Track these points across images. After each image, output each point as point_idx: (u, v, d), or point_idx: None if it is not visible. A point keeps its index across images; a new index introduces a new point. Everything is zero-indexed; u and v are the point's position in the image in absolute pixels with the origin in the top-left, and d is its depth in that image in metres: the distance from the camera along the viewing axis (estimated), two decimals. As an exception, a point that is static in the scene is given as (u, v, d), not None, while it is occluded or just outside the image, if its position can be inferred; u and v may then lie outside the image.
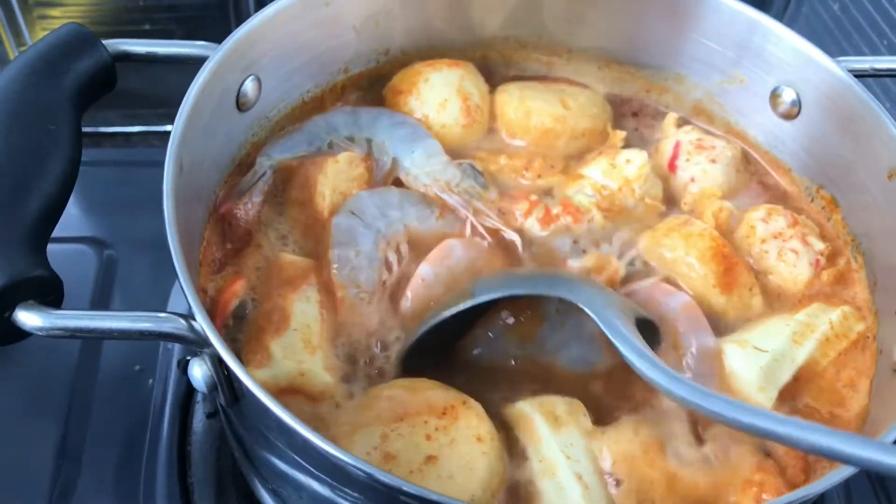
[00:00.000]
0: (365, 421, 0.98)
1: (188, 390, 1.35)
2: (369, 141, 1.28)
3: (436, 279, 1.13)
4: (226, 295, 1.09)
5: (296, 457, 0.93)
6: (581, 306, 1.04)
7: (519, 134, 1.35)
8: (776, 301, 1.19)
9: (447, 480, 0.95)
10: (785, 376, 1.08)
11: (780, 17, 1.83)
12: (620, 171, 1.26)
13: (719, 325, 1.15)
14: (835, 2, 1.75)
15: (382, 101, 1.36)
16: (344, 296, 1.11)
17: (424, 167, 1.25)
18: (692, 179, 1.29)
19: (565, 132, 1.34)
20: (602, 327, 1.01)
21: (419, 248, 1.17)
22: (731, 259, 1.17)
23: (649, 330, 1.08)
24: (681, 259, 1.17)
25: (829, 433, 0.82)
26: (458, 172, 1.24)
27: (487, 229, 1.21)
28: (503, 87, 1.38)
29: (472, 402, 1.02)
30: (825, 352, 1.11)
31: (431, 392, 1.02)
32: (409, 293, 1.13)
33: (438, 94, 1.32)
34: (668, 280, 1.18)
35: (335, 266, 1.13)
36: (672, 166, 1.30)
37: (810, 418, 1.07)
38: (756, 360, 1.08)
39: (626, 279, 1.18)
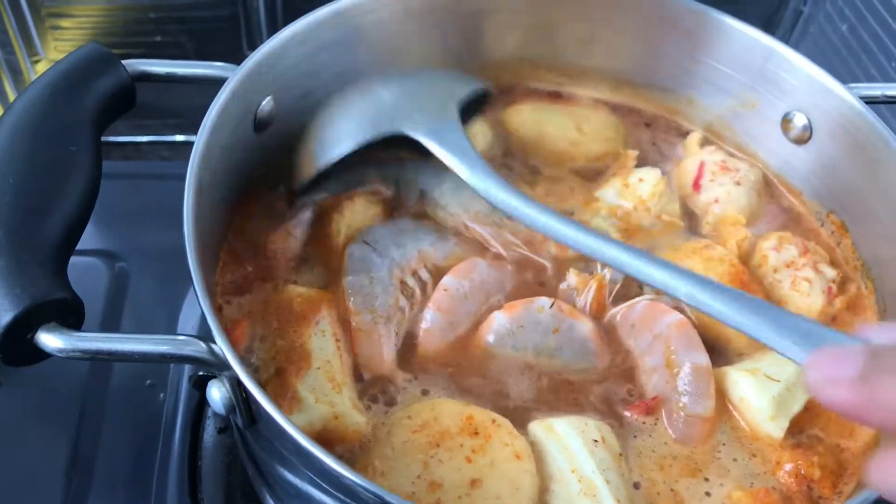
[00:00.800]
0: (402, 450, 0.99)
1: (199, 405, 1.35)
2: (397, 179, 1.28)
3: (460, 292, 1.13)
4: (233, 337, 1.08)
5: (313, 476, 0.93)
6: (408, 135, 1.15)
7: (533, 158, 1.36)
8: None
9: (495, 502, 0.96)
10: (797, 406, 1.08)
11: (787, 37, 1.84)
12: (634, 190, 1.27)
13: (727, 352, 1.15)
14: (843, 23, 1.75)
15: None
16: (358, 322, 1.11)
17: (454, 198, 1.25)
18: (716, 200, 1.29)
19: (580, 156, 1.35)
20: (433, 150, 1.13)
21: (436, 276, 1.18)
22: (748, 287, 1.17)
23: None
24: None
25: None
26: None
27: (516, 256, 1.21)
28: (516, 109, 1.39)
29: (500, 418, 1.03)
30: None
31: (457, 412, 1.02)
32: (431, 305, 1.13)
33: None
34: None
35: (349, 293, 1.13)
36: (696, 185, 1.31)
37: (817, 449, 1.07)
38: (768, 390, 1.07)
39: (621, 298, 1.17)
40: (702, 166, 1.31)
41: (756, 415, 1.07)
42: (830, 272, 1.21)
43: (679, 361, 1.09)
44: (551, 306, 1.12)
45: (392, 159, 1.26)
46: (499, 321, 1.12)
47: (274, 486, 1.14)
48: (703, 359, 1.10)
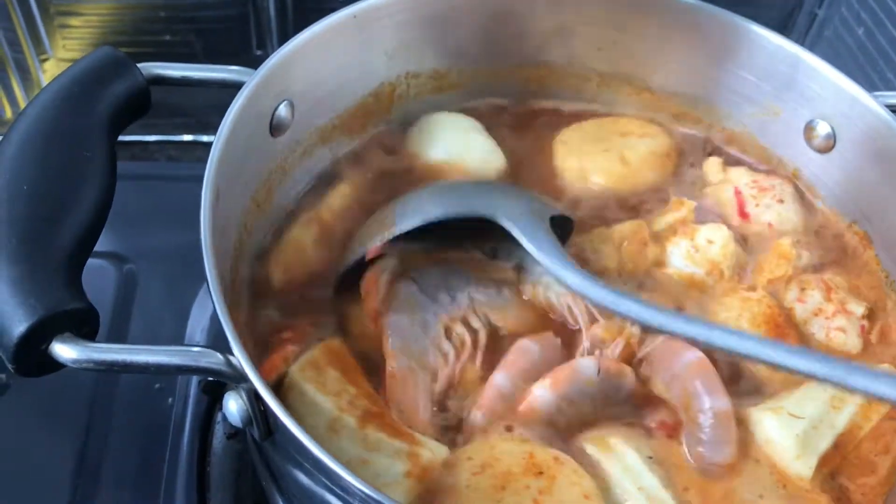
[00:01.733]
0: (465, 494, 0.94)
1: (208, 410, 1.34)
2: (495, 250, 1.21)
3: (514, 388, 1.05)
4: (271, 361, 1.06)
5: (331, 486, 0.90)
6: (499, 222, 1.11)
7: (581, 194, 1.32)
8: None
9: None
10: (824, 443, 1.04)
11: (801, 40, 1.83)
12: (704, 254, 1.21)
13: (762, 392, 1.11)
14: (859, 26, 1.74)
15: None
16: (393, 368, 1.04)
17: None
18: (770, 225, 1.26)
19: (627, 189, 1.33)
20: (520, 239, 1.09)
21: (490, 333, 1.13)
22: (783, 329, 1.14)
23: (560, 224, 1.17)
24: (733, 320, 1.14)
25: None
26: None
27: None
28: (561, 140, 1.37)
29: (562, 456, 0.99)
30: (867, 415, 1.06)
31: (517, 451, 0.98)
32: (482, 406, 1.05)
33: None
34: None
35: (388, 333, 1.07)
36: (744, 214, 1.27)
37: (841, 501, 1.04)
38: (791, 428, 1.04)
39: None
40: (738, 193, 1.28)
41: (782, 455, 1.03)
42: (858, 308, 1.17)
43: (698, 406, 1.05)
44: (598, 373, 1.05)
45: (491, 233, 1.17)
46: (543, 399, 1.04)
47: (289, 493, 1.12)
48: (724, 402, 1.05)
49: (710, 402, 1.04)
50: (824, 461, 1.04)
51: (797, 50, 1.26)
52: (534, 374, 1.06)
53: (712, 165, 1.35)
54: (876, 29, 1.70)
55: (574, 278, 1.04)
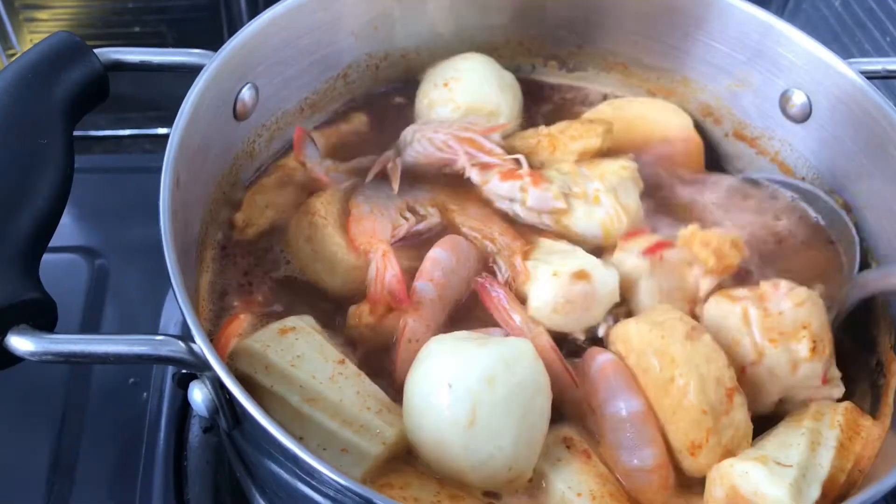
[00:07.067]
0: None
1: (183, 404, 1.32)
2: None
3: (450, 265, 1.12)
4: (226, 333, 1.06)
5: (301, 474, 0.90)
6: None
7: None
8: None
9: None
10: (814, 491, 0.95)
11: (780, 13, 1.81)
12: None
13: None
14: (836, -2, 1.73)
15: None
16: (355, 211, 1.17)
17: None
18: None
19: None
20: None
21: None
22: None
23: None
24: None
25: None
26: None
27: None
28: None
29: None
30: (846, 456, 1.00)
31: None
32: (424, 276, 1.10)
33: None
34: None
35: (356, 194, 1.19)
36: None
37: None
38: (782, 477, 0.94)
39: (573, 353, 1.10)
40: None
41: None
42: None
43: (614, 408, 1.01)
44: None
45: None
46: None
47: (263, 483, 1.12)
48: (638, 403, 1.00)
49: (628, 404, 1.00)
50: None
51: (768, 17, 1.24)
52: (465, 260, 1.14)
53: None
54: (852, 0, 1.68)
55: None
